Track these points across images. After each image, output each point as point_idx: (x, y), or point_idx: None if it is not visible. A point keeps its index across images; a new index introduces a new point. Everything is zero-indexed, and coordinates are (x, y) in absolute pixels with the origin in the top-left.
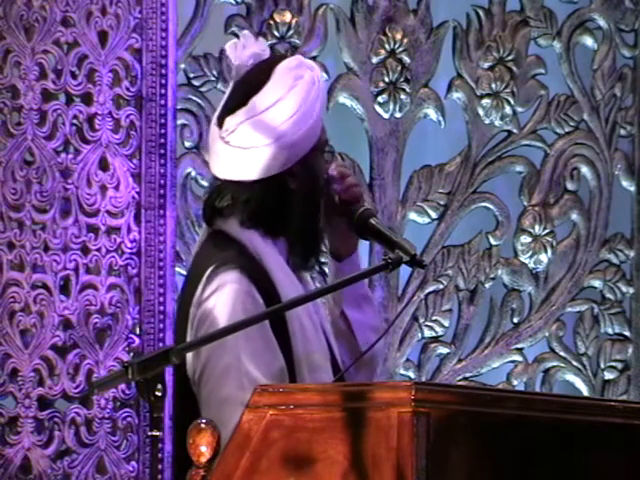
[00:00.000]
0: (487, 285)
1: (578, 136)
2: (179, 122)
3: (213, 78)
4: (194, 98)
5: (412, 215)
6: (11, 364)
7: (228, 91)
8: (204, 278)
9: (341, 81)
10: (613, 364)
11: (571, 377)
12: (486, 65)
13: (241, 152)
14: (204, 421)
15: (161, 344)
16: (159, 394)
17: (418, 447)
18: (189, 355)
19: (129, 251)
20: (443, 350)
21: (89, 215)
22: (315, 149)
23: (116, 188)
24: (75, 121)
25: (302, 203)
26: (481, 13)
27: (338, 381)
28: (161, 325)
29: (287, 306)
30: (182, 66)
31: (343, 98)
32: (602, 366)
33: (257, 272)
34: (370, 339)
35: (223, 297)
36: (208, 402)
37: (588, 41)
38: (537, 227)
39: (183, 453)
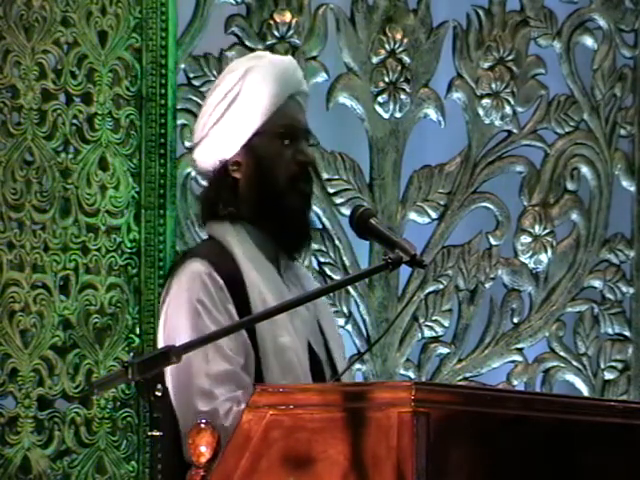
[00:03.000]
0: (487, 285)
1: (578, 136)
2: (179, 122)
3: (213, 78)
4: (194, 98)
5: (412, 215)
6: (11, 364)
7: None
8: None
9: (341, 81)
10: (613, 364)
11: (571, 377)
12: (486, 65)
13: (194, 155)
14: (204, 421)
15: None
16: (159, 394)
17: (418, 447)
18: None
19: (129, 251)
20: (443, 350)
21: (89, 215)
22: (259, 133)
23: (116, 188)
24: (75, 121)
25: (248, 190)
26: (481, 13)
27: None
28: None
29: (282, 308)
30: (182, 66)
31: (343, 98)
32: (602, 366)
33: (221, 260)
34: None
35: (181, 278)
36: (179, 386)
37: (588, 41)
38: (537, 227)
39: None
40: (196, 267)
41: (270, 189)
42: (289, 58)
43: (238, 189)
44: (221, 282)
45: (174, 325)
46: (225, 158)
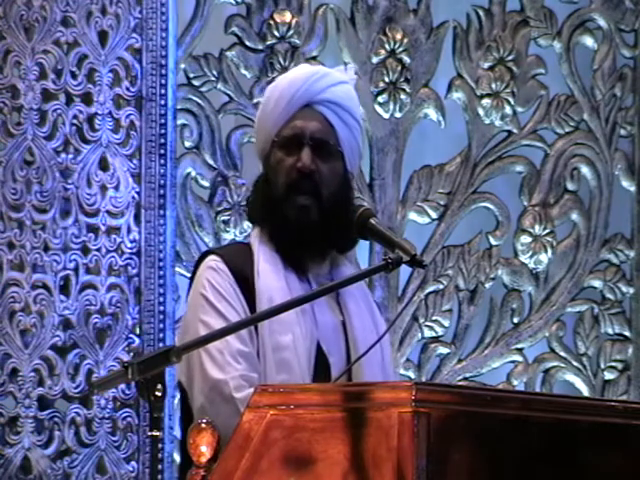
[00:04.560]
0: (487, 285)
1: (578, 136)
2: (179, 122)
3: (213, 78)
4: (194, 98)
5: (412, 215)
6: (11, 364)
7: None
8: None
9: None
10: (613, 364)
11: (571, 377)
12: (486, 65)
13: None
14: (204, 421)
15: (161, 344)
16: (159, 394)
17: (418, 447)
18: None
19: (129, 251)
20: (443, 350)
21: (89, 215)
22: (273, 146)
23: (116, 188)
24: (75, 121)
25: (260, 197)
26: (481, 13)
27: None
28: (161, 325)
29: (286, 307)
30: (182, 66)
31: None
32: (602, 366)
33: (238, 257)
34: None
35: (196, 274)
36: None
37: (588, 41)
38: (537, 227)
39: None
40: (209, 262)
41: (271, 198)
42: (315, 68)
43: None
44: (230, 275)
45: (184, 318)
46: (261, 170)
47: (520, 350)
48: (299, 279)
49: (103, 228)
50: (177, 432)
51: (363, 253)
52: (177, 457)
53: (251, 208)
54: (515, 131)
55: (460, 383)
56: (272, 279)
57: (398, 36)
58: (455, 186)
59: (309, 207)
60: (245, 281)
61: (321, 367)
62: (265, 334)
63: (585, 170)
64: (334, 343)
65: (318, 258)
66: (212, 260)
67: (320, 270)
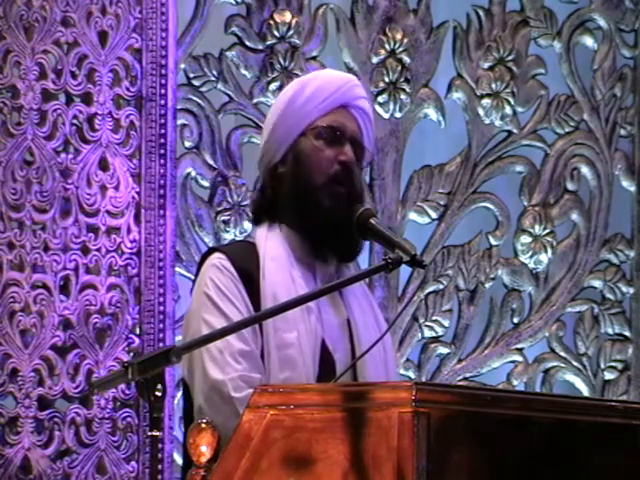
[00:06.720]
0: (487, 285)
1: (578, 136)
2: (179, 122)
3: (213, 78)
4: (194, 98)
5: (412, 215)
6: (11, 364)
7: None
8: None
9: None
10: (613, 364)
11: (571, 377)
12: (486, 65)
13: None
14: (204, 421)
15: (161, 344)
16: (159, 394)
17: (419, 447)
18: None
19: (129, 251)
20: (443, 350)
21: (89, 215)
22: (305, 134)
23: (116, 188)
24: (75, 121)
25: (287, 184)
26: (481, 13)
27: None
28: (161, 325)
29: (288, 306)
30: (182, 66)
31: None
32: (602, 366)
33: (243, 255)
34: None
35: (200, 271)
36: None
37: (588, 41)
38: (537, 227)
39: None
40: (213, 260)
41: (306, 185)
42: (350, 75)
43: (281, 187)
44: (235, 273)
45: (187, 315)
46: (274, 162)
47: (520, 350)
48: (304, 276)
49: (103, 228)
50: (177, 432)
51: (363, 253)
52: (177, 457)
53: (263, 199)
54: (515, 131)
55: (460, 383)
56: (277, 276)
57: (398, 36)
58: (455, 186)
59: (344, 198)
60: (250, 279)
61: (326, 364)
62: (270, 331)
63: (585, 170)
64: (339, 340)
65: (328, 254)
66: (216, 258)
67: (327, 269)
